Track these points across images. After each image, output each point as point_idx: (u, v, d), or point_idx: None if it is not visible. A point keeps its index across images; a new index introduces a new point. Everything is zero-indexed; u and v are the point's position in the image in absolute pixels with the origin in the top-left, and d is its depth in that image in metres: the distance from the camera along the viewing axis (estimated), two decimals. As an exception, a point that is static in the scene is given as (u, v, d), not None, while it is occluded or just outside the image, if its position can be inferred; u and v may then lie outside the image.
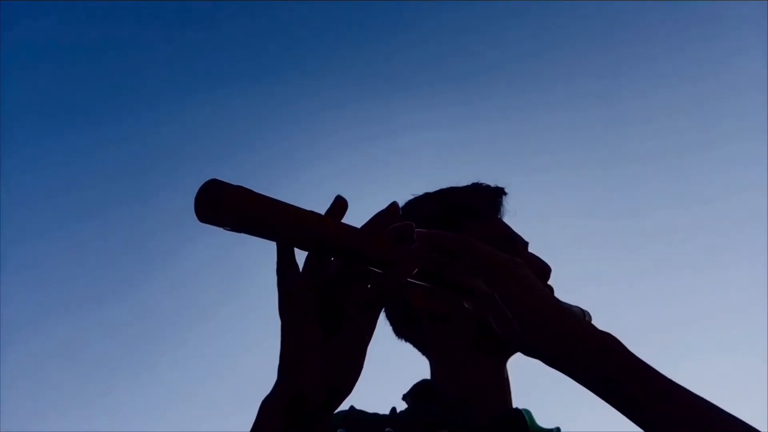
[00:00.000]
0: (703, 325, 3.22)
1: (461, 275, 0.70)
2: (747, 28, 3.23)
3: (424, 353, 1.00)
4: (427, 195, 1.04)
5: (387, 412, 0.95)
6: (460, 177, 1.06)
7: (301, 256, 0.63)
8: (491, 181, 1.03)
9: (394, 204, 0.65)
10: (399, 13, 3.59)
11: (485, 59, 3.57)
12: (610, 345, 0.64)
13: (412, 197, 1.04)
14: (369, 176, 3.45)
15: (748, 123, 3.23)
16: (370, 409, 0.94)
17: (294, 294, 0.62)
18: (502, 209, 1.03)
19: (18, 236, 3.42)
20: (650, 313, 3.16)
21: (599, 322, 0.91)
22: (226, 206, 0.53)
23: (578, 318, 0.66)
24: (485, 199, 1.01)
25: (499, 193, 1.02)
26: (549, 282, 0.95)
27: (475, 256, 0.67)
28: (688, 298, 3.27)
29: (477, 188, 1.02)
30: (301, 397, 0.60)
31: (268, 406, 0.61)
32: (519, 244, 0.99)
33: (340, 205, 0.63)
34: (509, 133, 3.48)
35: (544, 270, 0.95)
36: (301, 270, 0.62)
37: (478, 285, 0.70)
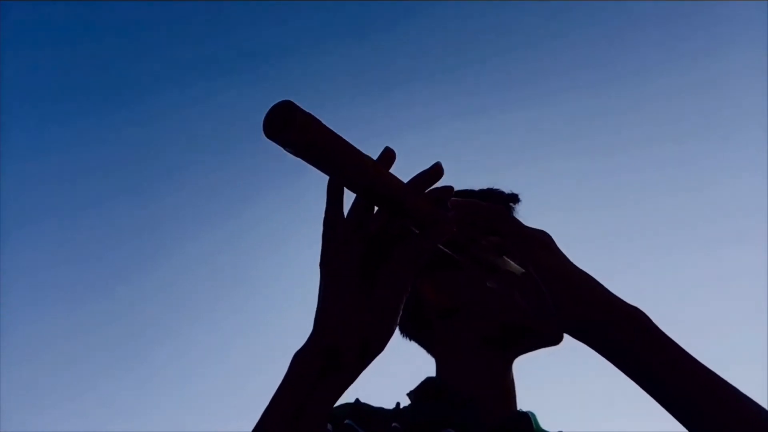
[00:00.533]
0: (704, 317, 3.22)
1: (488, 252, 0.71)
2: (746, 18, 3.23)
3: (429, 352, 1.00)
4: None
5: (391, 407, 0.94)
6: (460, 172, 1.05)
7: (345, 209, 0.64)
8: (505, 186, 1.04)
9: (438, 164, 0.66)
10: (396, 9, 3.59)
11: (481, 53, 3.57)
12: (640, 318, 0.65)
13: None
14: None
15: (747, 113, 3.23)
16: (374, 404, 0.93)
17: (339, 245, 0.63)
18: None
19: (13, 230, 3.41)
20: (654, 306, 3.16)
21: None
22: (296, 128, 0.55)
23: (607, 290, 0.67)
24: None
25: (512, 199, 1.03)
26: None
27: (509, 226, 0.69)
28: (688, 289, 3.28)
29: (491, 194, 1.03)
30: (335, 350, 0.60)
31: (301, 356, 0.61)
32: None
33: (388, 155, 0.63)
34: (508, 126, 3.49)
35: None
36: (345, 221, 0.64)
37: (504, 264, 0.71)
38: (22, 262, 3.46)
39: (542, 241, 0.69)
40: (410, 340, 1.02)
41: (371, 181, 0.61)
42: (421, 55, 3.65)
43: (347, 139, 0.60)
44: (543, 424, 0.93)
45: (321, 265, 0.64)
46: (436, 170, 0.66)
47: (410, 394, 0.95)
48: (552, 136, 3.51)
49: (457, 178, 1.05)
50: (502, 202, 1.02)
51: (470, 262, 0.72)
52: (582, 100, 3.48)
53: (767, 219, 2.89)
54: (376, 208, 0.65)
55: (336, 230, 0.63)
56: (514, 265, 0.72)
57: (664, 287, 3.27)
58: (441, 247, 0.68)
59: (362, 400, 0.93)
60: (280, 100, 0.56)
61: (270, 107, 0.56)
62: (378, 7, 3.60)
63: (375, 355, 0.63)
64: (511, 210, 1.02)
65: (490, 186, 1.04)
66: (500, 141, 3.50)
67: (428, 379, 0.96)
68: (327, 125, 0.58)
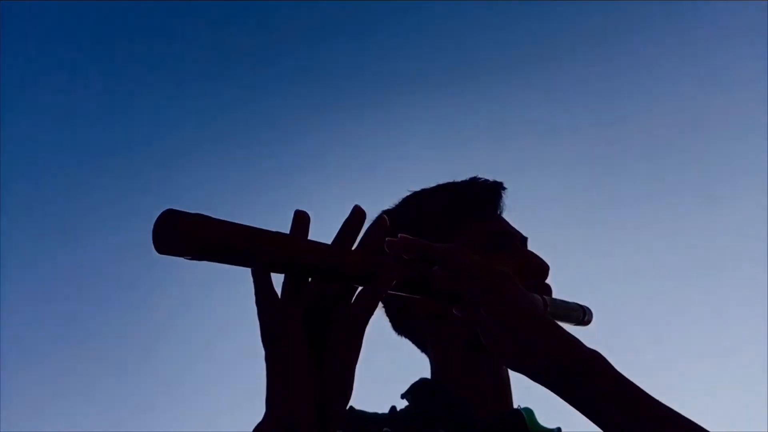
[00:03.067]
0: (703, 322, 3.21)
1: (448, 282, 0.68)
2: (747, 22, 3.22)
3: (423, 351, 0.99)
4: (424, 191, 1.02)
5: (386, 410, 0.93)
6: (458, 172, 1.04)
7: (278, 282, 0.62)
8: (490, 175, 1.01)
9: (356, 207, 0.63)
10: (393, 11, 3.59)
11: (481, 56, 3.57)
12: (596, 363, 0.63)
13: (408, 193, 1.03)
14: (368, 175, 3.44)
15: (747, 113, 3.22)
16: (369, 408, 0.93)
17: (276, 323, 0.60)
18: (501, 205, 1.01)
19: (15, 236, 3.42)
20: (650, 309, 3.16)
21: (600, 319, 0.91)
22: (184, 233, 0.52)
23: (565, 335, 0.64)
24: (484, 196, 0.99)
25: (497, 188, 1.00)
26: (547, 281, 0.93)
27: (459, 268, 0.65)
28: (689, 294, 3.27)
29: (475, 184, 1.00)
30: (291, 425, 0.59)
31: None
32: (517, 240, 0.97)
33: (300, 219, 0.61)
34: (506, 127, 3.48)
35: (541, 268, 0.93)
36: (280, 296, 0.61)
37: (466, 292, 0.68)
38: (22, 262, 3.47)
39: (493, 283, 0.64)
40: (404, 337, 1.02)
41: (289, 260, 0.58)
42: (416, 57, 3.64)
43: (248, 223, 0.56)
44: (541, 420, 0.93)
45: (263, 342, 0.61)
46: (356, 215, 0.63)
47: (405, 396, 0.94)
48: (552, 135, 3.51)
49: (454, 175, 1.04)
50: (487, 192, 1.00)
51: (429, 298, 0.69)
52: (581, 100, 3.48)
53: (767, 220, 2.89)
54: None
55: (270, 307, 0.60)
56: None
57: (664, 292, 3.27)
58: (396, 292, 0.65)
59: (357, 405, 0.91)
60: (163, 210, 0.53)
61: (154, 223, 0.53)
62: (377, 7, 3.61)
63: (337, 420, 0.61)
64: (497, 201, 0.99)
65: (474, 176, 1.01)
66: (499, 141, 3.50)
67: (421, 380, 0.95)
68: (219, 219, 0.55)
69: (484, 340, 0.67)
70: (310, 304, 0.61)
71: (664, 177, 3.36)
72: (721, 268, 3.25)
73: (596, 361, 0.63)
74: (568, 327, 0.91)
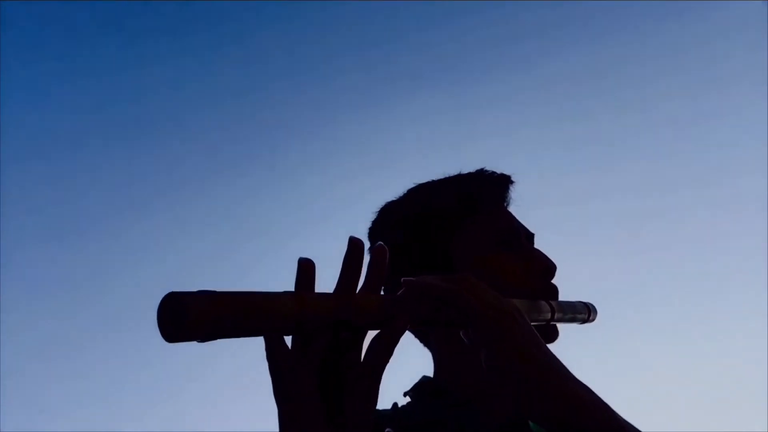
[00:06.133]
0: (705, 312, 3.22)
1: (456, 319, 0.67)
2: (746, 18, 3.22)
3: (426, 345, 0.97)
4: (429, 185, 1.00)
5: (388, 407, 0.92)
6: (460, 163, 1.02)
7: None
8: (496, 167, 0.99)
9: (353, 240, 0.60)
10: (393, 11, 3.59)
11: (476, 48, 3.57)
12: (598, 408, 0.61)
13: (414, 185, 1.01)
14: (368, 170, 3.44)
15: (747, 113, 3.22)
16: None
17: (289, 377, 0.58)
18: (508, 198, 0.99)
19: (14, 234, 3.41)
20: (654, 300, 3.17)
21: (601, 308, 0.91)
22: (193, 320, 0.49)
23: (567, 381, 0.63)
24: (491, 190, 0.97)
25: (504, 181, 0.98)
26: (554, 281, 0.92)
27: (463, 306, 0.64)
28: (689, 285, 3.28)
29: (482, 177, 0.98)
30: None
31: None
32: (523, 237, 0.96)
33: (305, 269, 0.58)
34: (503, 119, 3.49)
35: (548, 269, 0.92)
36: (291, 352, 0.59)
37: None
38: (23, 259, 3.46)
39: (499, 326, 0.64)
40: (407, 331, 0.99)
41: (299, 322, 0.56)
42: (415, 53, 3.64)
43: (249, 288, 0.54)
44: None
45: (276, 400, 0.59)
46: (354, 247, 0.60)
47: (407, 394, 0.93)
48: (556, 135, 3.51)
49: (459, 165, 1.01)
50: (494, 186, 0.98)
51: (443, 327, 0.68)
52: (582, 101, 3.48)
53: (767, 219, 2.89)
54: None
55: (281, 360, 0.59)
56: None
57: (666, 282, 3.27)
58: (409, 331, 0.64)
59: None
60: (163, 296, 0.50)
61: (157, 309, 0.50)
62: (373, 7, 3.61)
63: None
64: (504, 194, 0.97)
65: (481, 168, 0.99)
66: (502, 139, 3.50)
67: (425, 379, 0.94)
68: (224, 292, 0.52)
69: (486, 367, 0.65)
70: (322, 353, 0.59)
71: (666, 164, 3.36)
72: (720, 255, 3.25)
73: (597, 407, 0.61)
74: (576, 327, 0.92)
